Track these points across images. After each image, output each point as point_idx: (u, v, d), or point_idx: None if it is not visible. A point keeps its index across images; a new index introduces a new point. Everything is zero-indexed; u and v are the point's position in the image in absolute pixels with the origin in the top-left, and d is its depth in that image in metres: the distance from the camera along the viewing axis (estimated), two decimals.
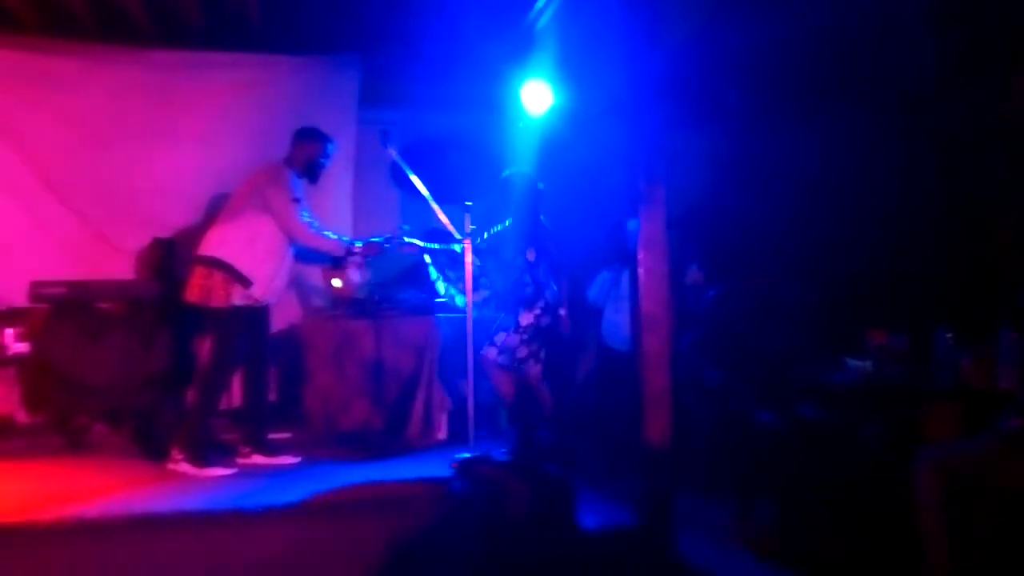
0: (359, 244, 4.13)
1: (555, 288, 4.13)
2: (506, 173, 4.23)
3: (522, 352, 4.01)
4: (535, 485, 3.23)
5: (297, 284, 5.58)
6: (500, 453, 3.76)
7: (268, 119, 5.28)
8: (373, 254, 4.21)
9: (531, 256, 4.10)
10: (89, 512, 2.87)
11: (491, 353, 4.01)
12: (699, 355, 4.04)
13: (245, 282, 3.77)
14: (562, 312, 4.08)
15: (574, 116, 5.48)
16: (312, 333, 4.97)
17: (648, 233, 3.35)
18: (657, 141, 3.50)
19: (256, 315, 3.94)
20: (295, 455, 3.96)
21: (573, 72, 5.27)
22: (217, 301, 3.73)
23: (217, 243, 3.83)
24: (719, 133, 4.69)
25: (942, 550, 2.68)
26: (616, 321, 4.90)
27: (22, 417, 4.71)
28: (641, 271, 3.34)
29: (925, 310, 3.66)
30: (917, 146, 4.12)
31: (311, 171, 4.15)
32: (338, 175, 5.69)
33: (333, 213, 5.71)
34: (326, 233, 4.05)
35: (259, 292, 3.84)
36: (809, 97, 4.66)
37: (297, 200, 3.94)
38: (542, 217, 4.16)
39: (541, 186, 4.24)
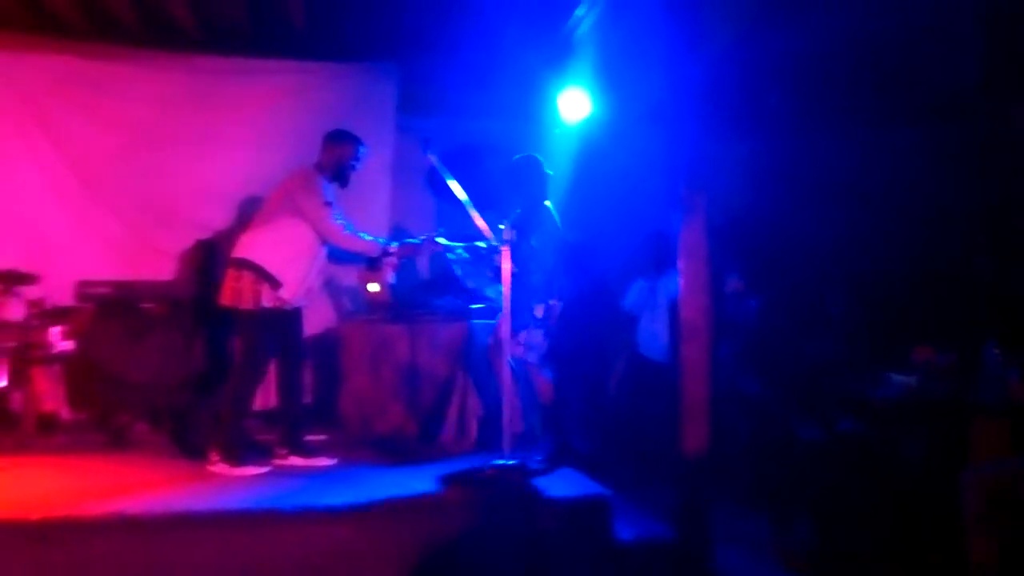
0: (395, 245, 4.15)
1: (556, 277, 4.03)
2: (516, 158, 4.17)
3: (544, 347, 3.98)
4: (570, 495, 3.21)
5: (332, 288, 5.63)
6: (535, 461, 3.74)
7: (309, 125, 5.32)
8: (409, 255, 4.23)
9: (534, 243, 4.02)
10: (131, 509, 2.91)
11: (518, 352, 3.94)
12: (738, 365, 3.99)
13: (274, 283, 3.80)
14: (552, 303, 3.95)
15: (612, 124, 5.46)
16: (348, 337, 5.00)
17: (689, 241, 3.32)
18: (698, 148, 3.47)
19: (286, 318, 3.97)
20: (331, 457, 3.98)
21: (612, 79, 5.25)
22: (246, 303, 3.77)
23: (248, 246, 3.88)
24: (761, 140, 4.64)
25: (991, 570, 2.61)
26: (652, 330, 4.87)
27: (66, 414, 4.82)
28: (681, 280, 3.31)
29: (973, 324, 3.57)
30: (964, 156, 4.04)
31: (341, 174, 4.13)
32: (376, 182, 5.74)
33: (370, 220, 5.74)
34: (361, 235, 4.08)
35: (288, 294, 3.87)
36: (852, 105, 4.60)
37: (329, 204, 3.96)
38: (549, 203, 4.08)
39: (551, 173, 4.16)
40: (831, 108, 4.58)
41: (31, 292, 4.77)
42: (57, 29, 5.09)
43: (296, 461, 3.91)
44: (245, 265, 3.81)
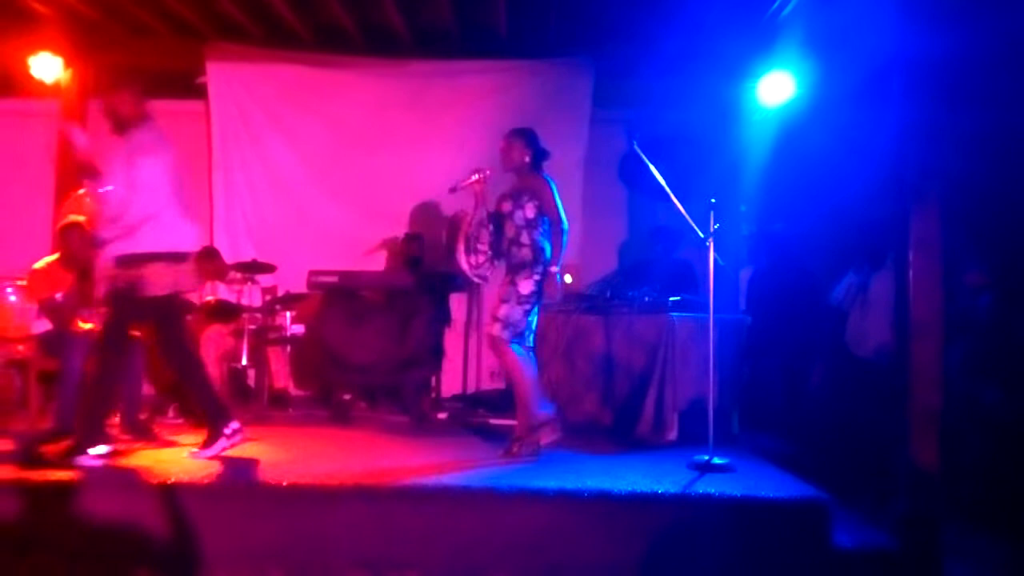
0: None
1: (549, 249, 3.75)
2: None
3: (527, 325, 3.72)
4: (786, 496, 3.10)
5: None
6: (741, 460, 3.65)
7: (508, 122, 5.45)
8: None
9: (506, 207, 3.75)
10: (366, 480, 3.18)
11: (495, 329, 3.71)
12: (973, 369, 3.65)
13: None
14: (554, 269, 3.69)
15: (819, 106, 5.18)
16: (545, 326, 5.11)
17: (921, 232, 3.09)
18: (928, 130, 3.21)
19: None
20: None
21: (821, 59, 4.98)
22: None
23: None
24: (995, 120, 4.18)
25: None
26: (863, 328, 4.58)
27: (294, 390, 5.35)
28: (912, 274, 3.09)
29: None
30: None
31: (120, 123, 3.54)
32: (569, 175, 5.80)
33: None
34: None
35: None
36: None
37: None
38: (545, 174, 3.83)
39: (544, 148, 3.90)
40: None
41: (266, 280, 5.36)
42: (287, 41, 5.65)
43: None
44: None
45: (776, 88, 5.33)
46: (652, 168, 3.87)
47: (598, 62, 5.72)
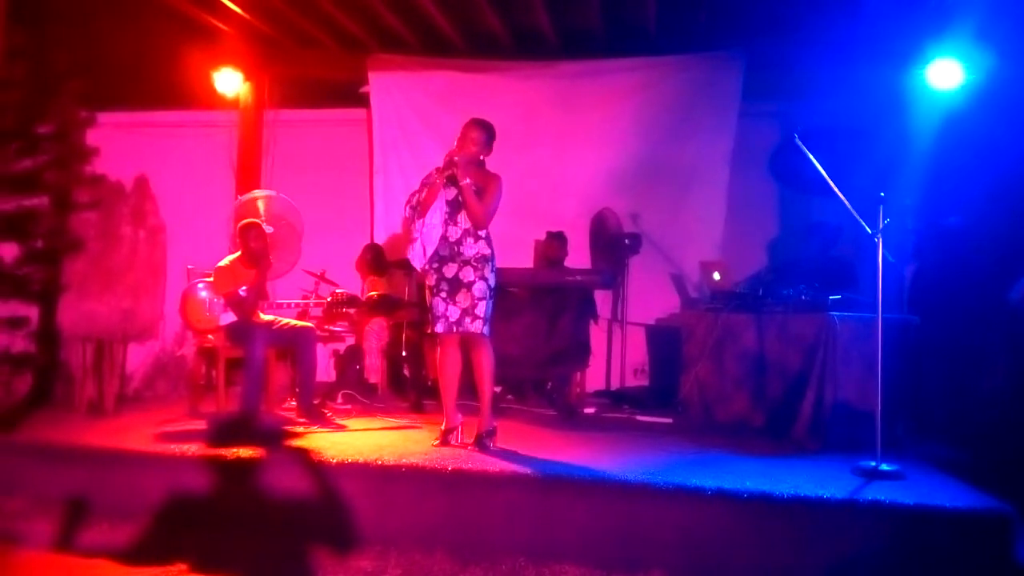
0: None
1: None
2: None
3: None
4: (960, 506, 2.93)
5: (673, 275, 5.78)
6: (910, 467, 3.47)
7: (655, 119, 5.53)
8: None
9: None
10: (522, 469, 3.30)
11: (477, 327, 3.71)
12: None
13: None
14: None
15: (992, 92, 4.81)
16: (692, 324, 5.08)
17: None
18: None
19: None
20: None
21: (995, 42, 4.63)
22: None
23: None
24: None
25: None
26: None
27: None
28: None
29: None
30: None
31: None
32: (714, 169, 5.73)
33: (705, 208, 5.77)
34: None
35: None
36: None
37: None
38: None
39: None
40: None
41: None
42: (441, 49, 5.92)
43: None
44: None
45: (945, 75, 5.00)
46: (814, 161, 3.74)
47: (749, 54, 5.59)
